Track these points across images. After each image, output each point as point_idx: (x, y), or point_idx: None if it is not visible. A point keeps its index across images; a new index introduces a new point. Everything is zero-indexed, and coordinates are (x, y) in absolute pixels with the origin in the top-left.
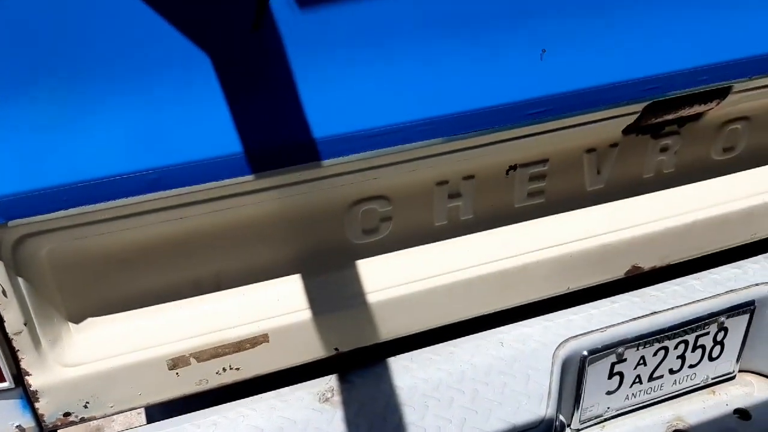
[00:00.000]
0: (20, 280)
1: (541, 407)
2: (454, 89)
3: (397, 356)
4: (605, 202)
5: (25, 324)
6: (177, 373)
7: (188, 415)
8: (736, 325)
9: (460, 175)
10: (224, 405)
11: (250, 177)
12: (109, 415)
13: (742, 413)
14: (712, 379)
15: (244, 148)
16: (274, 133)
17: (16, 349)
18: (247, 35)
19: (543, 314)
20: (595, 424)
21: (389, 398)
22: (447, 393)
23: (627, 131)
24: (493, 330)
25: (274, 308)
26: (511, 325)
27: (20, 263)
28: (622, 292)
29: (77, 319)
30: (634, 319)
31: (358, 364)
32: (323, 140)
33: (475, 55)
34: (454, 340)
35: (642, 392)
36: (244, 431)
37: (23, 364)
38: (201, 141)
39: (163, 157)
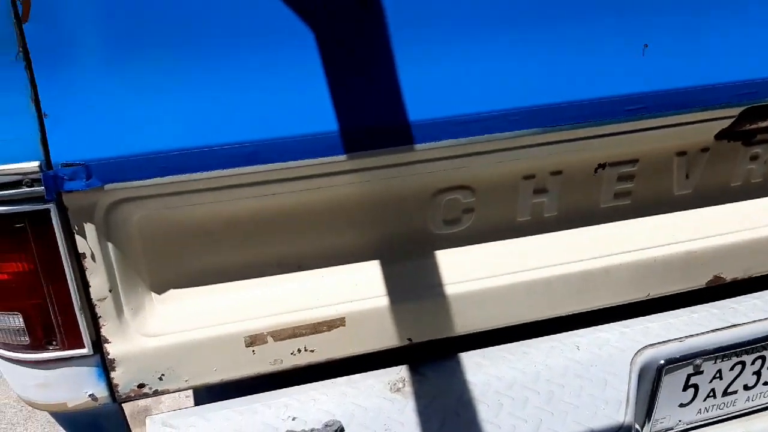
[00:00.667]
0: (110, 245)
1: (619, 414)
2: (552, 80)
3: (469, 352)
4: (692, 208)
5: (110, 291)
6: (253, 351)
7: (259, 395)
8: None
9: (548, 170)
10: (295, 387)
11: (342, 157)
12: (182, 389)
13: None
14: None
15: (340, 127)
16: (370, 113)
17: (98, 315)
18: (354, 11)
19: (619, 320)
20: None
21: (462, 393)
22: (521, 393)
23: (719, 136)
24: (567, 333)
25: (353, 293)
26: (587, 329)
27: (111, 228)
28: (699, 303)
29: (160, 290)
30: (714, 330)
31: (429, 357)
32: (417, 124)
33: (575, 46)
34: (526, 341)
35: (715, 407)
36: (315, 415)
37: (103, 332)
38: (298, 117)
39: (261, 131)
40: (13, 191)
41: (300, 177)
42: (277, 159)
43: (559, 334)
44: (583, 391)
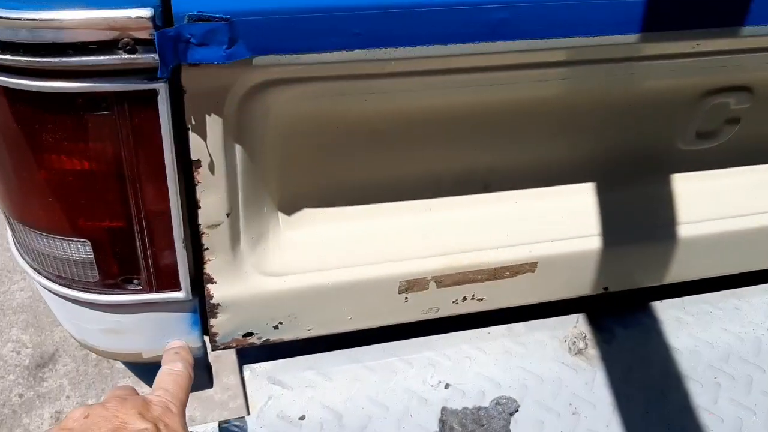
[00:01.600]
0: (237, 149)
1: None
2: None
3: (664, 302)
4: None
5: (228, 214)
6: (406, 298)
7: (395, 343)
8: None
9: None
10: (439, 336)
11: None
12: (302, 338)
13: None
14: None
15: None
16: None
17: (205, 247)
18: None
19: None
20: None
21: (665, 364)
22: (742, 369)
23: None
24: None
25: (554, 230)
26: None
27: (245, 124)
28: None
29: (291, 210)
30: None
31: (610, 303)
32: None
33: None
34: (735, 290)
35: None
36: (475, 382)
37: (208, 269)
38: None
39: None
40: (103, 58)
41: (534, 65)
42: (534, 35)
43: None
44: None
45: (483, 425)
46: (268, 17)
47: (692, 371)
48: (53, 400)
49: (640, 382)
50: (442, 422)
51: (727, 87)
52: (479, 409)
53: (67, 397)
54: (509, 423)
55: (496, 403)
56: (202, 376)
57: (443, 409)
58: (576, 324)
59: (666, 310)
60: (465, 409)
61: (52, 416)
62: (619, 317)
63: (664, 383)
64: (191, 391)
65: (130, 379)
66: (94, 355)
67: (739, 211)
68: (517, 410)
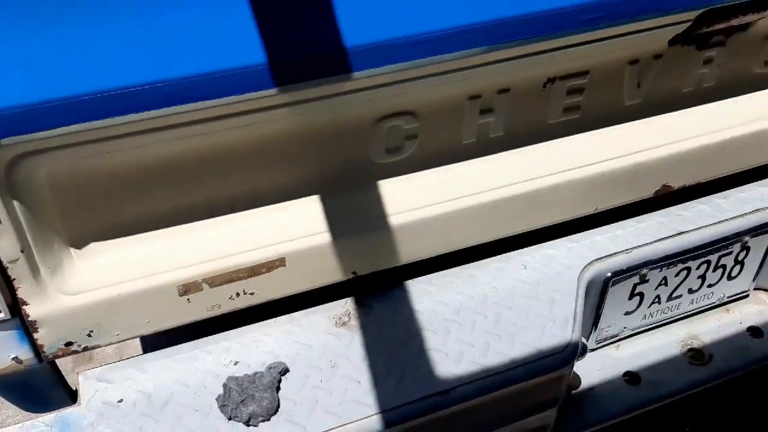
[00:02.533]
0: (16, 203)
1: (567, 331)
2: None
3: (416, 279)
4: (641, 117)
5: (22, 251)
6: (188, 299)
7: (200, 340)
8: (759, 245)
9: (495, 88)
10: (236, 330)
11: (271, 91)
12: (114, 343)
13: (754, 331)
14: (728, 297)
15: (268, 60)
16: (298, 43)
17: (12, 278)
18: None
19: (567, 235)
20: (611, 343)
21: (409, 322)
22: (469, 317)
23: (673, 42)
24: (515, 252)
25: (292, 231)
26: (534, 246)
27: (16, 185)
28: (648, 212)
29: (80, 245)
30: (660, 240)
31: (376, 288)
32: (350, 51)
33: None
34: (474, 263)
35: (659, 312)
36: (258, 357)
37: (20, 294)
38: (219, 51)
39: (178, 69)
40: None
41: (223, 116)
42: (197, 98)
43: (506, 254)
44: (530, 311)
45: (255, 383)
46: (3, 113)
47: (429, 324)
48: None
49: (388, 337)
50: (224, 386)
51: (393, 113)
52: (256, 373)
53: None
54: (277, 379)
55: (268, 368)
56: (61, 395)
57: (228, 377)
58: (345, 304)
59: (416, 284)
60: (245, 375)
61: None
62: (378, 295)
63: (407, 335)
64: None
65: None
66: None
67: (431, 201)
68: (288, 371)
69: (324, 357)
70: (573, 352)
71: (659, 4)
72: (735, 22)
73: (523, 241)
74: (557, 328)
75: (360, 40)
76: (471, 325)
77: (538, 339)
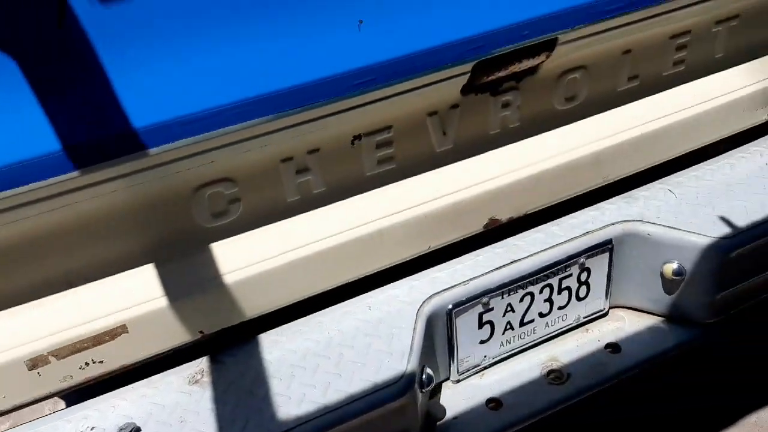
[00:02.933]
0: None
1: (402, 362)
2: (277, 66)
3: (267, 332)
4: (456, 160)
5: None
6: (38, 373)
7: (60, 412)
8: (598, 265)
9: (304, 149)
10: (96, 398)
11: (75, 173)
12: None
13: (612, 347)
14: (585, 317)
15: (65, 145)
16: (93, 126)
17: None
18: (54, 31)
19: (410, 275)
20: (475, 373)
21: (257, 373)
22: (313, 360)
23: (465, 91)
24: (362, 296)
25: (130, 299)
26: (378, 289)
27: None
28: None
29: None
30: (496, 269)
31: (232, 343)
32: (144, 129)
33: (297, 31)
34: (323, 310)
35: (516, 338)
36: (114, 421)
37: None
38: (19, 141)
39: None
40: None
41: (37, 200)
42: (5, 186)
43: (352, 299)
44: (370, 348)
45: None
46: None
47: (276, 372)
48: None
49: (236, 389)
50: None
51: (211, 181)
52: None
53: None
54: None
55: (120, 429)
56: None
57: None
58: (200, 363)
59: (268, 336)
60: None
61: None
62: (231, 349)
63: (254, 385)
64: None
65: None
66: None
67: (266, 256)
68: (139, 430)
69: (174, 414)
70: (408, 382)
71: (429, 61)
72: (515, 68)
73: (373, 284)
74: (394, 362)
75: (151, 119)
76: (314, 368)
77: (375, 374)
